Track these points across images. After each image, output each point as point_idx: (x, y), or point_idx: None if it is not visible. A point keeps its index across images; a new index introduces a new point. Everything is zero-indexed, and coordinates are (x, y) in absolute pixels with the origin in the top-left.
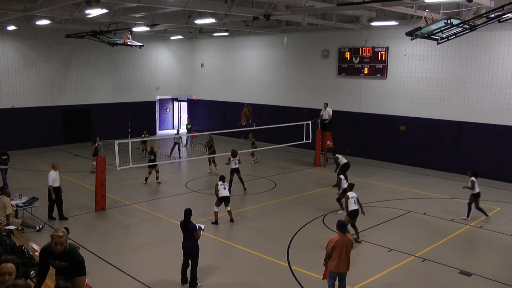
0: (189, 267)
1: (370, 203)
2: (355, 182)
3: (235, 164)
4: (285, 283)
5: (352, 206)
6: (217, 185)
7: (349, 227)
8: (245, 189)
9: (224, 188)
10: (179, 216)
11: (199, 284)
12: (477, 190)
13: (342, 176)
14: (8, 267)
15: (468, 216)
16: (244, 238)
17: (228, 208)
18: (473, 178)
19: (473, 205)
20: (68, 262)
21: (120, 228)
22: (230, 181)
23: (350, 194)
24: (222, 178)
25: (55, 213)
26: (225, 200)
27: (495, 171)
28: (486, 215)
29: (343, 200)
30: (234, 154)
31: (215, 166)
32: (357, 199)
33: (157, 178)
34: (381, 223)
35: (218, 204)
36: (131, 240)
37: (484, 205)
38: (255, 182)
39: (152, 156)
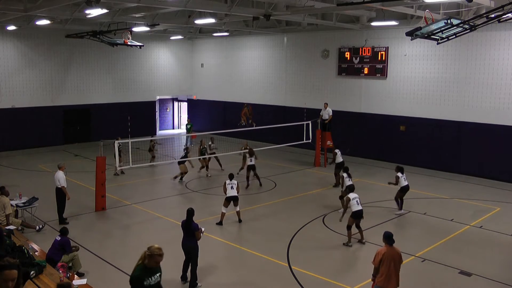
0: (189, 268)
1: (370, 203)
2: (355, 182)
3: (251, 161)
4: (285, 283)
5: (355, 207)
6: (225, 183)
7: (353, 227)
8: (260, 184)
9: (232, 187)
10: (179, 216)
11: (199, 284)
12: (403, 184)
13: (345, 174)
14: (12, 274)
15: (401, 209)
16: (244, 238)
17: (238, 209)
18: (398, 174)
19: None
20: (160, 271)
21: (120, 228)
22: (247, 177)
23: (352, 195)
24: (231, 177)
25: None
26: (233, 200)
27: (495, 171)
28: (400, 209)
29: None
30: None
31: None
32: (359, 199)
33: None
34: (381, 223)
35: (226, 204)
36: (131, 240)
37: (484, 205)
38: (255, 182)
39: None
